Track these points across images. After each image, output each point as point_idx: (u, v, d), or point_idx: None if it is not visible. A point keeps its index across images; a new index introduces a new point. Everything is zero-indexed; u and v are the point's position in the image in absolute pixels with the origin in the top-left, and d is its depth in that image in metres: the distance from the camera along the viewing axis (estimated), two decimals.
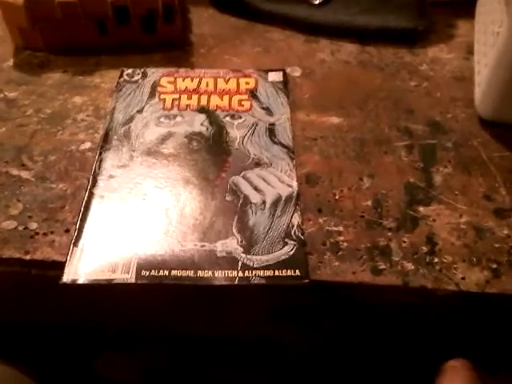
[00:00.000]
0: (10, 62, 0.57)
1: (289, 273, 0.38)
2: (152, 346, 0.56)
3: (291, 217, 0.42)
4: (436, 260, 0.40)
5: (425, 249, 0.41)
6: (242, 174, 0.45)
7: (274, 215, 0.42)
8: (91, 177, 0.44)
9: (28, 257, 0.40)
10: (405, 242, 0.41)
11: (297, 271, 0.38)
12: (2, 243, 0.40)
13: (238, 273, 0.38)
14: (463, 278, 0.39)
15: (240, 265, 0.38)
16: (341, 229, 0.42)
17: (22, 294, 0.44)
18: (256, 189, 0.44)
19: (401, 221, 0.43)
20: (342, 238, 0.41)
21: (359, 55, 0.59)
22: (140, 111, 0.50)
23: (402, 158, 0.48)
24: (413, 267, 0.40)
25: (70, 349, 0.57)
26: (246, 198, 0.43)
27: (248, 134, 0.48)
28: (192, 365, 0.60)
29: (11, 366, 0.46)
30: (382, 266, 0.40)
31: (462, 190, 0.45)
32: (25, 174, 0.45)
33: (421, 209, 0.44)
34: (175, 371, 0.62)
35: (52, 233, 0.41)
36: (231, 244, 0.40)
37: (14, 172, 0.46)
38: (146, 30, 0.58)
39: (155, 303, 0.43)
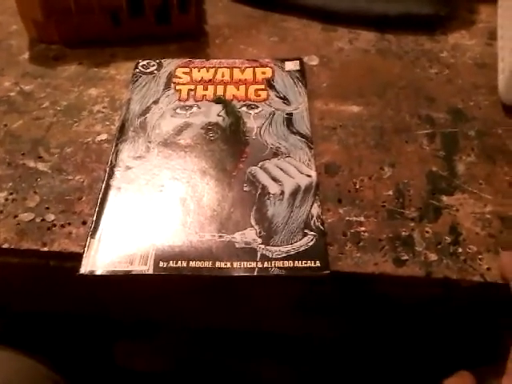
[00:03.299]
0: (26, 55, 0.57)
1: (309, 264, 0.37)
2: (171, 335, 0.56)
3: (310, 207, 0.41)
4: (460, 250, 0.39)
5: (448, 239, 0.40)
6: (259, 165, 0.44)
7: (292, 205, 0.41)
8: (108, 168, 0.44)
9: (46, 248, 0.39)
10: (428, 232, 0.40)
11: (317, 262, 0.37)
12: (20, 235, 0.40)
13: (257, 264, 0.37)
14: (489, 269, 0.38)
15: (259, 256, 0.38)
16: (362, 219, 0.41)
17: (39, 285, 0.44)
18: (274, 179, 0.43)
19: (423, 210, 0.42)
20: (363, 229, 0.40)
21: (378, 43, 0.58)
22: (156, 102, 0.50)
23: (424, 147, 0.46)
24: (436, 258, 0.39)
25: (87, 338, 0.57)
26: (264, 188, 0.42)
27: (265, 124, 0.48)
28: (211, 355, 0.60)
29: (29, 356, 0.46)
30: (405, 257, 0.39)
31: (487, 179, 0.44)
32: (41, 166, 0.45)
33: (444, 198, 0.42)
34: (194, 361, 0.62)
35: (69, 224, 0.41)
36: (250, 235, 0.39)
37: (31, 164, 0.45)
38: (160, 21, 0.57)
39: (173, 294, 0.42)
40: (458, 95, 0.51)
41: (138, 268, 0.37)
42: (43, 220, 0.41)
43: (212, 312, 0.45)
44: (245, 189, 0.42)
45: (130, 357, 0.65)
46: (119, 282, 0.40)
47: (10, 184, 0.44)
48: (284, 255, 0.38)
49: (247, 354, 0.60)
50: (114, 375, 0.64)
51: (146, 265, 0.37)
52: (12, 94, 0.52)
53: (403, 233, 0.40)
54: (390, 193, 0.43)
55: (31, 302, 0.46)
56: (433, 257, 0.39)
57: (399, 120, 0.49)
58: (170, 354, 0.64)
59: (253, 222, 0.40)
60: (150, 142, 0.46)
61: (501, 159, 0.45)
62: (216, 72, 0.53)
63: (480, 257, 0.39)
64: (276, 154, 0.45)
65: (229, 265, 0.37)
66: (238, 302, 0.43)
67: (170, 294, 0.43)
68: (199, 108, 0.49)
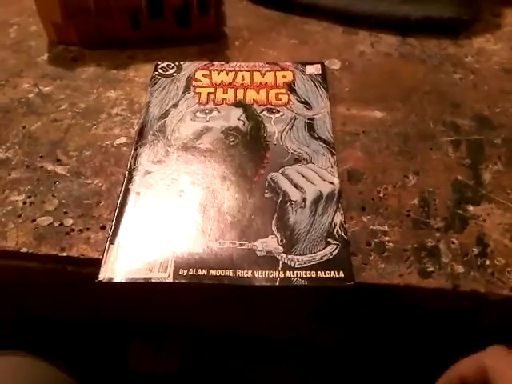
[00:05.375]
0: (45, 57, 0.56)
1: (332, 274, 0.36)
2: (187, 339, 0.56)
3: (333, 215, 0.40)
4: (488, 262, 0.38)
5: (475, 250, 0.39)
6: (280, 171, 0.43)
7: (315, 213, 0.40)
8: (127, 172, 0.43)
9: (64, 253, 0.39)
10: (454, 242, 0.39)
11: (341, 273, 0.36)
12: (39, 239, 0.39)
13: (278, 273, 0.36)
14: None
15: (281, 265, 0.37)
16: (386, 228, 0.40)
17: (56, 290, 0.43)
18: (296, 186, 0.42)
19: (449, 220, 0.40)
20: (387, 238, 0.39)
21: (400, 47, 0.56)
22: (175, 105, 0.49)
23: (449, 154, 0.45)
24: (463, 270, 0.38)
25: (102, 343, 0.57)
26: (285, 195, 0.41)
27: (286, 129, 0.47)
28: (220, 358, 0.59)
29: (48, 362, 0.46)
30: (431, 268, 0.38)
31: None
32: (60, 169, 0.45)
33: (470, 208, 0.41)
34: (209, 364, 0.61)
35: (88, 229, 0.40)
36: (271, 243, 0.38)
37: (50, 167, 0.45)
38: (179, 23, 0.56)
39: (191, 301, 0.42)
40: (484, 101, 0.50)
41: (157, 275, 0.36)
42: (61, 224, 0.41)
43: (228, 318, 0.44)
44: (266, 195, 0.42)
45: (141, 359, 0.64)
46: (137, 289, 0.39)
47: (29, 187, 0.43)
48: (306, 265, 0.37)
49: (258, 358, 0.59)
50: (125, 378, 0.64)
51: (165, 272, 0.37)
52: (31, 95, 0.52)
53: (429, 243, 0.39)
54: (415, 202, 0.42)
55: (47, 306, 0.46)
56: (460, 269, 0.38)
57: (423, 126, 0.48)
58: (181, 356, 0.63)
59: (274, 230, 0.39)
60: (169, 146, 0.46)
61: None
62: (236, 75, 0.52)
63: (509, 269, 0.38)
64: (297, 159, 0.44)
65: (250, 274, 0.37)
66: (256, 310, 0.42)
67: (188, 301, 0.42)
68: (219, 112, 0.49)
